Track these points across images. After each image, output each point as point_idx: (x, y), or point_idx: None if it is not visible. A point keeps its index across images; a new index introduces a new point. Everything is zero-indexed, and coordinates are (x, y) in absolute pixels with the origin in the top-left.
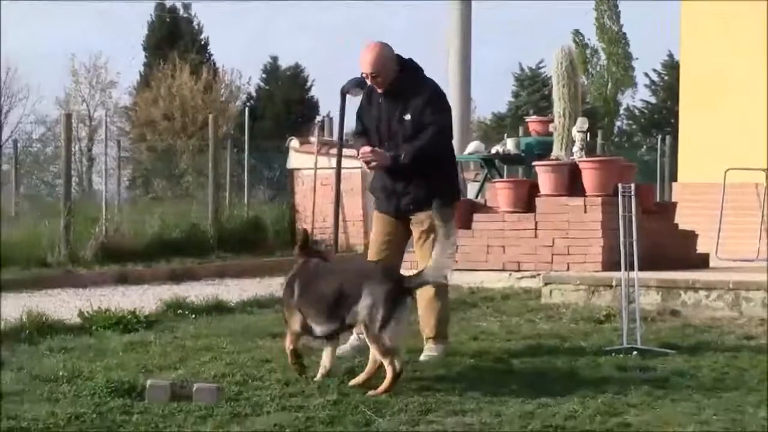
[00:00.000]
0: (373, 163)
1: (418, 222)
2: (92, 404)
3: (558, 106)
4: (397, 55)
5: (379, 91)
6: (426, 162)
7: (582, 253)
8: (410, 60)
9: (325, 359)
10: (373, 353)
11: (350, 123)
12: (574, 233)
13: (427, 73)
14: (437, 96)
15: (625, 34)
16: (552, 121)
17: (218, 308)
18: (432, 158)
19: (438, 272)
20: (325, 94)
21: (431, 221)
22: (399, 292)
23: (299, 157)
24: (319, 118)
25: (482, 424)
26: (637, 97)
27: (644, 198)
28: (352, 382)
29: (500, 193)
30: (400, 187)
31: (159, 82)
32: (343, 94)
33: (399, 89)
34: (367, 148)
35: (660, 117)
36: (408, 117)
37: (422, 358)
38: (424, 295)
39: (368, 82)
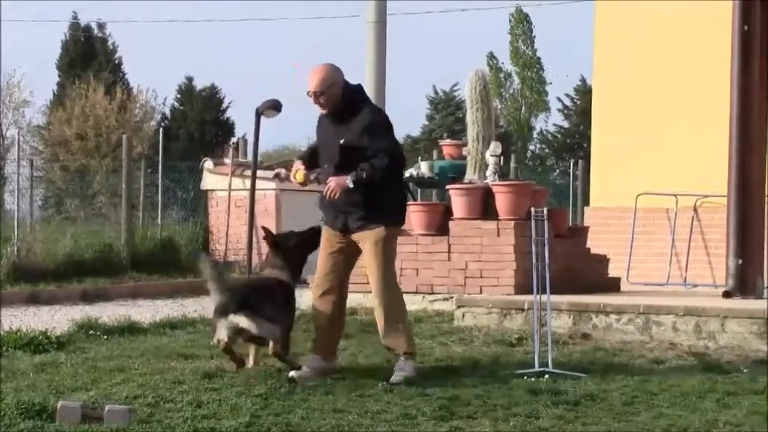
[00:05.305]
0: (335, 192)
1: (365, 238)
2: (2, 426)
3: (472, 130)
4: (345, 81)
5: (323, 112)
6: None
7: (495, 276)
8: (358, 86)
9: None
10: None
11: (265, 144)
12: (487, 256)
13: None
14: (379, 121)
15: (539, 58)
16: (465, 144)
17: (130, 329)
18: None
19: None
20: (241, 116)
21: (377, 237)
22: None
23: (213, 178)
24: (234, 140)
25: None
26: (551, 121)
27: (557, 222)
28: None
29: (414, 216)
30: (350, 206)
31: (73, 102)
32: (258, 115)
33: (340, 114)
34: (332, 182)
35: (573, 141)
36: (342, 141)
37: (394, 379)
38: (379, 312)
39: (312, 101)
